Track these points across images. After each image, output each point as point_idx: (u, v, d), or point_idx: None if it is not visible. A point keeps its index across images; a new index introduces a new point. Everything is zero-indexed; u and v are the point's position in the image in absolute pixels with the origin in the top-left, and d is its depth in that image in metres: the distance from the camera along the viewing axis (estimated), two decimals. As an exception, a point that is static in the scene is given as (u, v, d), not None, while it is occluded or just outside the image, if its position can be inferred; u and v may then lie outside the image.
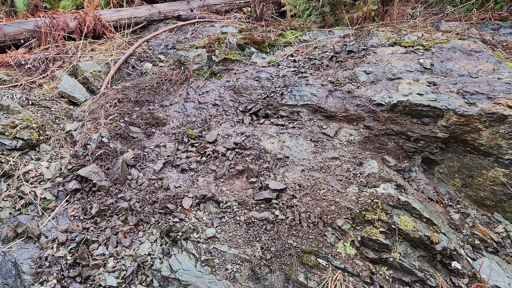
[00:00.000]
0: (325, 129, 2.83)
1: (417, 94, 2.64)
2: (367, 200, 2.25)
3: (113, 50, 4.10)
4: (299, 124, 2.90)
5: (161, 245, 2.15)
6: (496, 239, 2.30)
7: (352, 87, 2.94)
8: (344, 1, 5.07)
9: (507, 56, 3.23)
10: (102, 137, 2.85)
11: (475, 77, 2.69)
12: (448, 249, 2.10)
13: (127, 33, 4.57)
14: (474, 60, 2.86)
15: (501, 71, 2.69)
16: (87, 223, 2.29)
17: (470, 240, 2.27)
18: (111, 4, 4.91)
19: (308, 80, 3.13)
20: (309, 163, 2.60)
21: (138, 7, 4.92)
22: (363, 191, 2.32)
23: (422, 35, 3.40)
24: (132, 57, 4.01)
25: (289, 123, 2.93)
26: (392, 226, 2.14)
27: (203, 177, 2.57)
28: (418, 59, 2.98)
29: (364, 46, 3.42)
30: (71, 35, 4.29)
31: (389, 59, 3.08)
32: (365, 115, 2.78)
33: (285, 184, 2.40)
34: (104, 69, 3.79)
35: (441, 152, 2.65)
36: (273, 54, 3.90)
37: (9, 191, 2.47)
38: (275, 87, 3.21)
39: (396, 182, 2.39)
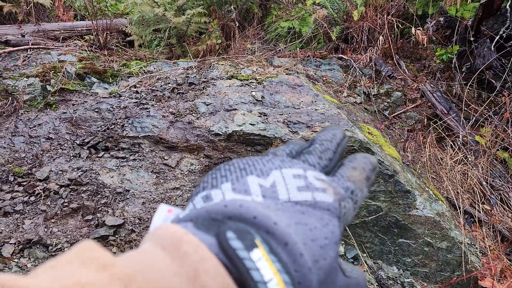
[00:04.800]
0: (167, 159, 2.87)
1: (250, 124, 2.88)
2: (205, 227, 2.33)
3: None
4: (140, 156, 2.88)
5: (-25, 302, 1.88)
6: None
7: (193, 118, 3.05)
8: (190, 34, 5.27)
9: (325, 89, 3.74)
10: None
11: (297, 109, 3.05)
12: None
13: None
14: (298, 93, 3.24)
15: (318, 103, 3.11)
16: None
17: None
18: None
19: (149, 111, 3.14)
20: (151, 195, 2.59)
21: (-44, 29, 4.32)
22: (201, 219, 2.40)
23: (257, 69, 3.73)
24: None
25: (130, 155, 2.89)
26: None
27: (30, 219, 2.34)
28: (251, 91, 3.25)
29: (205, 78, 3.60)
30: None
31: (226, 91, 3.30)
32: (205, 145, 2.91)
33: (124, 218, 2.35)
34: None
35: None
36: (117, 84, 3.82)
37: None
38: (116, 119, 3.14)
39: (233, 207, 2.53)
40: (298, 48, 4.34)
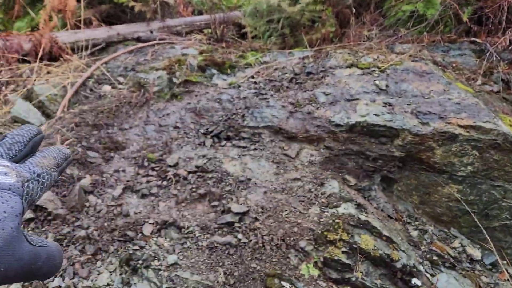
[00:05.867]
0: (287, 150, 2.86)
1: (374, 114, 2.73)
2: (329, 220, 2.27)
3: (70, 72, 4.00)
4: (260, 145, 2.91)
5: (120, 274, 2.07)
6: (453, 254, 2.37)
7: (312, 108, 2.99)
8: (303, 23, 5.21)
9: (456, 77, 3.40)
10: (58, 163, 2.74)
11: (427, 98, 2.80)
12: (408, 266, 2.14)
13: (84, 55, 4.48)
14: (426, 81, 2.99)
15: (451, 92, 2.82)
16: (40, 255, 2.17)
17: (428, 256, 2.33)
18: (68, 26, 4.80)
19: (268, 101, 3.16)
20: (272, 185, 2.61)
21: (96, 28, 4.83)
22: (324, 212, 2.35)
23: (378, 57, 3.53)
24: (90, 79, 3.92)
25: (250, 145, 2.94)
26: (353, 245, 2.16)
27: (164, 202, 2.51)
28: (374, 80, 3.08)
29: (323, 67, 3.51)
30: (26, 58, 4.15)
31: (346, 80, 3.17)
32: (325, 136, 2.83)
33: (248, 207, 2.39)
34: (60, 93, 3.67)
35: (399, 170, 2.73)
36: (234, 75, 3.93)
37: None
38: (236, 109, 3.22)
39: (356, 201, 2.43)
40: (425, 33, 4.00)
